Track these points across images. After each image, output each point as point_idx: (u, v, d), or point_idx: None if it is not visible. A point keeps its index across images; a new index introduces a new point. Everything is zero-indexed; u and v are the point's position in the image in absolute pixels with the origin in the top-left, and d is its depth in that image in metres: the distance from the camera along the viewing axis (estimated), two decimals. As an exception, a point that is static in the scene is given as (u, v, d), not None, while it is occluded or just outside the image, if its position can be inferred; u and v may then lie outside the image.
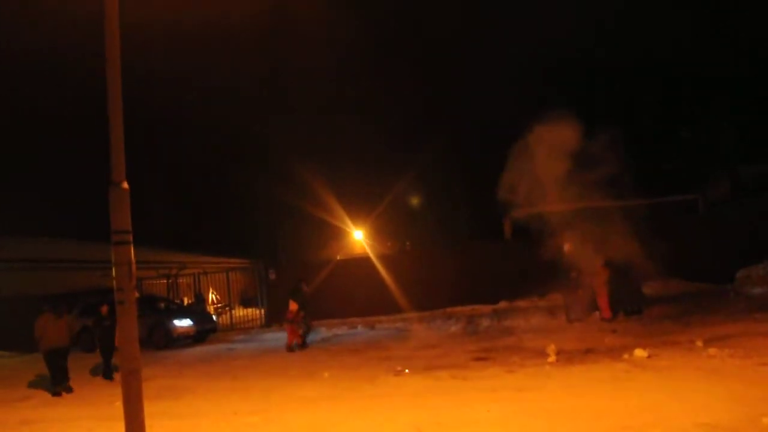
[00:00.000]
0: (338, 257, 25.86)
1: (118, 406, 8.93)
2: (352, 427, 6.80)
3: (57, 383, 11.61)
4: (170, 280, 24.53)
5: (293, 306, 14.27)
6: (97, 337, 13.25)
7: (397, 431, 6.44)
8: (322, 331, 17.65)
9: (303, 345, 14.35)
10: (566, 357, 9.98)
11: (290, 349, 14.10)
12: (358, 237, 34.11)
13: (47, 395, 11.48)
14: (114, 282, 3.73)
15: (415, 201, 34.60)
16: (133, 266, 3.78)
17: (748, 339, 9.62)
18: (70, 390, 11.64)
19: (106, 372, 12.90)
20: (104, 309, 13.35)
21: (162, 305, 19.22)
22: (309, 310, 14.97)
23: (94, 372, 13.42)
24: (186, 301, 25.31)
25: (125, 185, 3.83)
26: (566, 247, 14.23)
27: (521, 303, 17.45)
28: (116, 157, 3.84)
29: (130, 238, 3.78)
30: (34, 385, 12.68)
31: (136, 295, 3.91)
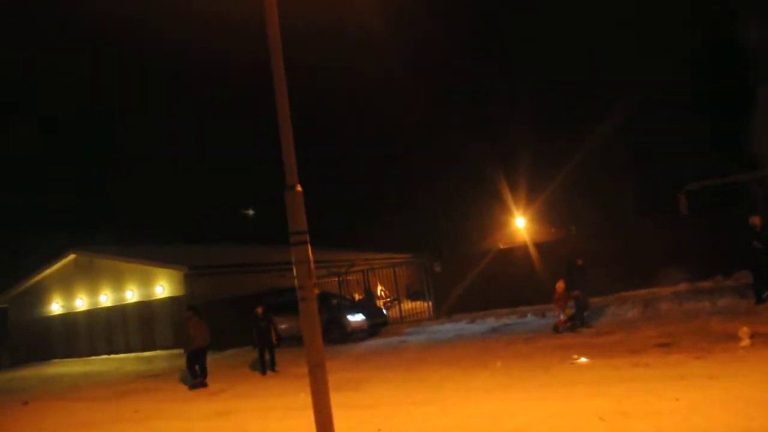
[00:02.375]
0: (500, 246, 25.58)
1: (304, 397, 9.54)
2: (531, 416, 6.69)
3: (196, 376, 13.32)
4: (340, 278, 25.61)
5: (559, 285, 13.72)
6: (255, 335, 14.42)
7: (579, 420, 6.23)
8: (490, 321, 17.57)
9: (572, 327, 13.44)
10: (762, 341, 9.09)
11: (556, 329, 13.44)
12: (520, 225, 33.51)
13: (238, 388, 12.53)
14: (295, 280, 3.98)
15: (579, 182, 33.22)
16: (312, 264, 4.00)
17: None
18: (205, 385, 13.16)
19: (271, 365, 14.14)
20: (260, 310, 14.51)
21: (335, 302, 20.12)
22: (586, 288, 13.87)
23: (252, 367, 14.70)
24: (356, 297, 26.32)
25: (299, 188, 4.07)
26: (754, 219, 12.96)
27: (704, 284, 16.15)
28: (288, 161, 4.09)
29: (307, 237, 4.00)
30: (225, 379, 13.88)
31: (317, 291, 4.13)
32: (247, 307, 15.71)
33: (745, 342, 9.05)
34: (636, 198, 30.32)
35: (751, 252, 12.89)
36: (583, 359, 9.91)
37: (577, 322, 13.52)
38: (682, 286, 16.49)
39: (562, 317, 13.58)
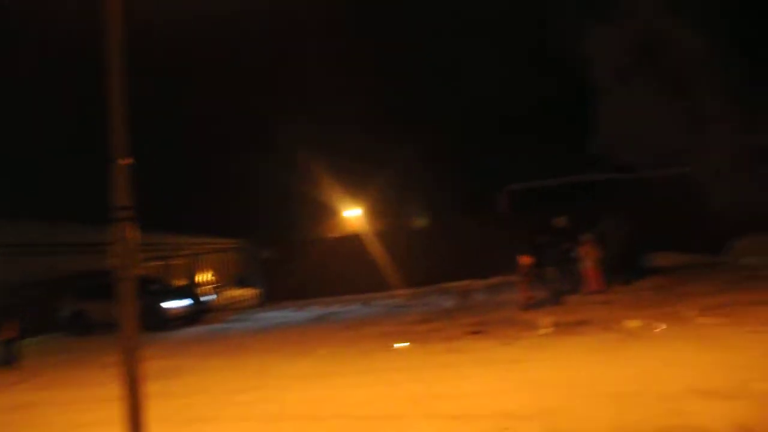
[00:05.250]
0: (330, 235, 25.91)
1: (112, 388, 8.98)
2: (349, 401, 6.86)
3: None
4: (165, 262, 24.49)
5: (524, 260, 13.27)
6: None
7: (394, 404, 6.49)
8: (317, 309, 17.72)
9: (554, 300, 13.07)
10: (560, 329, 10.09)
11: (524, 308, 12.84)
12: (351, 215, 34.05)
13: (41, 379, 11.51)
14: (114, 260, 3.72)
15: (408, 177, 34.35)
16: (136, 243, 3.76)
17: (740, 307, 9.78)
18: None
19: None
20: None
21: (155, 287, 19.16)
22: (566, 260, 13.49)
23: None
24: (180, 282, 25.28)
25: (126, 162, 3.81)
26: (559, 221, 14.31)
27: (515, 277, 17.47)
28: (118, 134, 3.82)
29: (132, 214, 3.76)
30: (27, 368, 12.72)
31: (138, 272, 3.90)
32: (52, 292, 14.44)
33: (546, 330, 10.01)
34: (461, 196, 31.98)
35: (554, 251, 14.19)
36: (402, 345, 10.34)
37: (559, 294, 13.43)
38: (495, 279, 17.74)
39: (531, 293, 13.40)
